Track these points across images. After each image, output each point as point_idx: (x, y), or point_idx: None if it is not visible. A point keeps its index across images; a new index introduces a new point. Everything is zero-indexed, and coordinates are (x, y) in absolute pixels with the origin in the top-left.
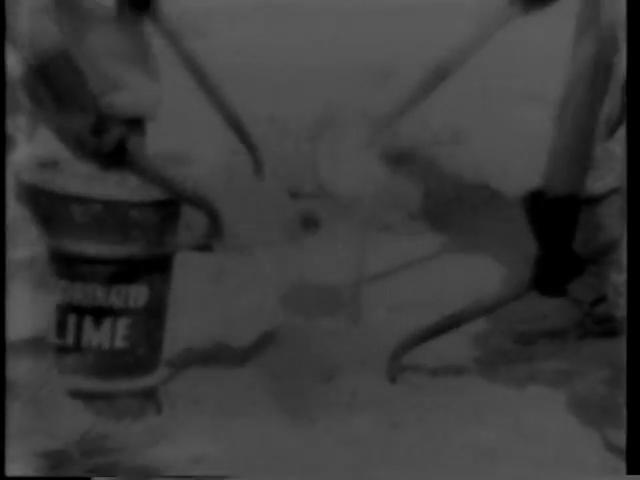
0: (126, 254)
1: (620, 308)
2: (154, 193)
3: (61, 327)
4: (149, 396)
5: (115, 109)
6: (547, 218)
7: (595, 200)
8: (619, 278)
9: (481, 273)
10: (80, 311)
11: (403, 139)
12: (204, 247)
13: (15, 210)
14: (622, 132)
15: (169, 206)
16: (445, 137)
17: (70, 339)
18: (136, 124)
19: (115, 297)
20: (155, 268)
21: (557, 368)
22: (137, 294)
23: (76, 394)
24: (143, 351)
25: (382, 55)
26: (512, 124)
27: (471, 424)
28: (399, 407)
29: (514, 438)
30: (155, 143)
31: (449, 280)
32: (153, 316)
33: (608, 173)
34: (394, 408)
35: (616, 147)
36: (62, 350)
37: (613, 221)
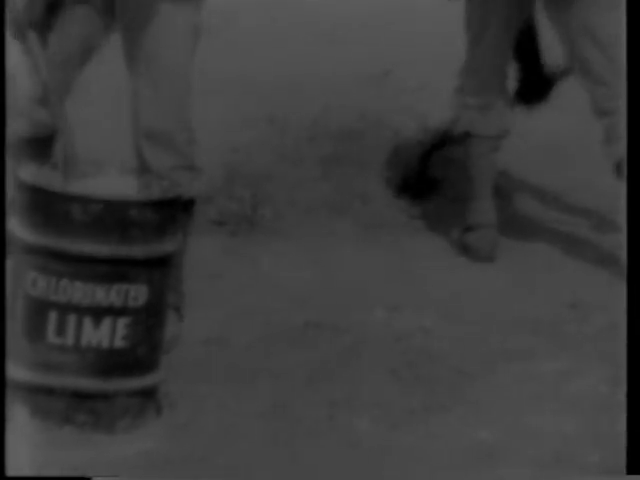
0: (125, 253)
1: (485, 236)
2: (154, 192)
3: (61, 326)
4: (149, 396)
5: None
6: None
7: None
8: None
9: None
10: (80, 310)
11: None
12: None
13: None
14: None
15: (168, 205)
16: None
17: (70, 338)
18: None
19: (115, 296)
20: (155, 267)
21: (557, 368)
22: (137, 293)
23: (76, 393)
24: (143, 350)
25: (382, 55)
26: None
27: (471, 424)
28: (399, 407)
29: (513, 438)
30: None
31: (449, 280)
32: (153, 315)
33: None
34: (394, 408)
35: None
36: (62, 349)
37: (472, 160)
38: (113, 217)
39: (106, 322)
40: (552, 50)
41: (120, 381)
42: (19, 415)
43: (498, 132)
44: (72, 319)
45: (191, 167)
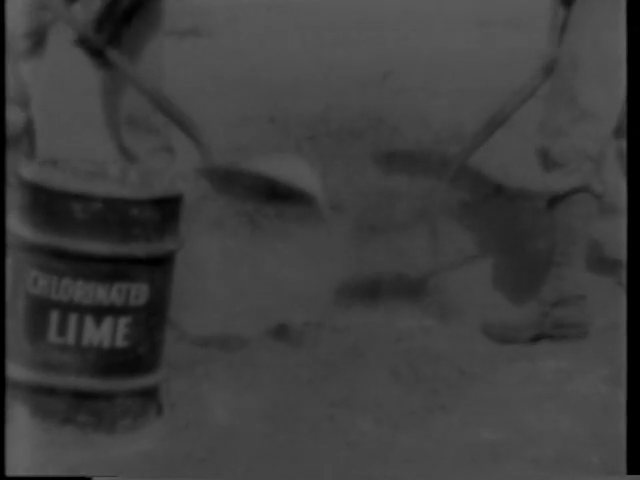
0: (127, 252)
1: (582, 311)
2: (155, 191)
3: (62, 326)
4: (150, 396)
5: None
6: None
7: (559, 199)
8: (582, 280)
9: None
10: (81, 310)
11: (404, 139)
12: None
13: None
14: (587, 128)
15: (169, 204)
16: (445, 136)
17: (71, 338)
18: None
19: (116, 295)
20: (156, 266)
21: (557, 368)
22: (138, 292)
23: (77, 393)
24: (144, 350)
25: (382, 55)
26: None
27: (472, 424)
28: (400, 407)
29: (514, 438)
30: None
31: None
32: (154, 314)
33: (573, 172)
34: (395, 408)
35: (585, 143)
36: (63, 349)
37: (577, 221)
38: (114, 215)
39: (107, 321)
40: None
41: (121, 381)
42: (19, 415)
43: (605, 189)
44: (73, 318)
45: (169, 148)
